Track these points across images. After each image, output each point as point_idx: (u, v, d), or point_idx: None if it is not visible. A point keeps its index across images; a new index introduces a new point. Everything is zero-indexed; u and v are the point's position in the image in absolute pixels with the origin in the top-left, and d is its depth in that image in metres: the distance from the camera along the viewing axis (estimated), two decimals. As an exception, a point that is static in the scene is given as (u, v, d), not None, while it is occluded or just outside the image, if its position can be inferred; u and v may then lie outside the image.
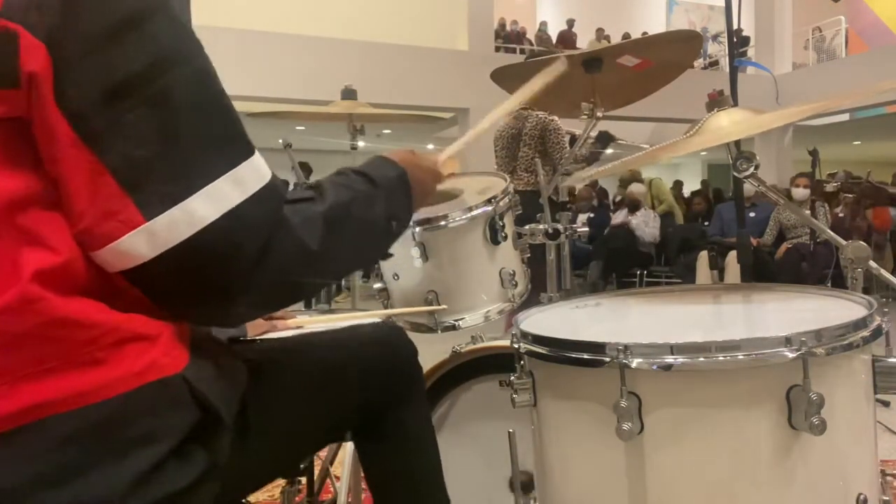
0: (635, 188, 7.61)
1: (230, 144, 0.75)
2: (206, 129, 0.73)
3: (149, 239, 0.69)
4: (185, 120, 0.71)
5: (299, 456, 1.33)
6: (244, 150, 0.76)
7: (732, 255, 5.77)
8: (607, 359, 0.85)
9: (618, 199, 9.21)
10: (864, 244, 1.10)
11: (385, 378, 1.08)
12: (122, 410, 0.70)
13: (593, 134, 1.66)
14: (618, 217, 7.65)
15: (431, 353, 1.53)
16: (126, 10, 0.69)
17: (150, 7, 0.71)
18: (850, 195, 7.26)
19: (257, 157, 0.76)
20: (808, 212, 5.33)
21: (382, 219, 0.93)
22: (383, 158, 0.99)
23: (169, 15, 0.72)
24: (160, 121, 0.70)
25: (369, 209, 0.90)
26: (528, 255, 1.58)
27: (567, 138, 3.66)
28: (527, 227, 1.56)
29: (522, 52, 12.78)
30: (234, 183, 0.73)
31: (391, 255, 1.10)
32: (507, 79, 1.75)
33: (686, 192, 10.77)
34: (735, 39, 2.17)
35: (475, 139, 1.28)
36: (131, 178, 0.69)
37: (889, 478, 1.01)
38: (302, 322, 1.36)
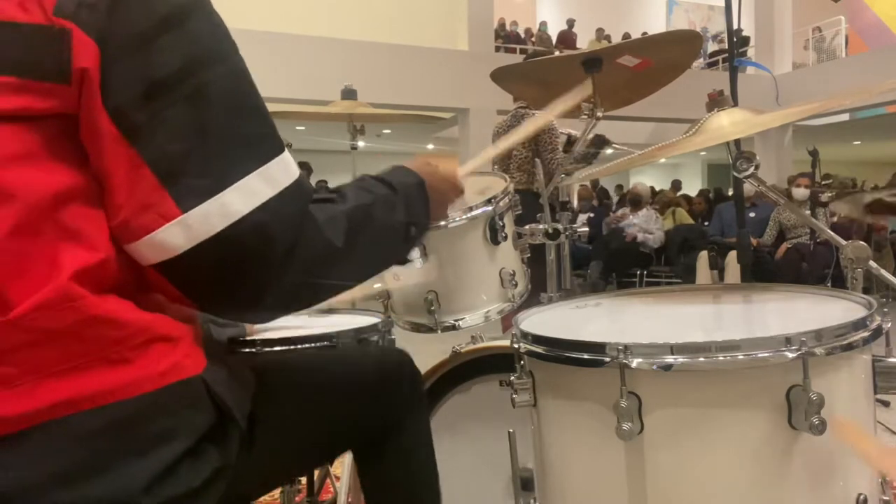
0: (640, 186, 7.59)
1: (262, 141, 0.77)
2: (240, 126, 0.75)
3: (184, 231, 0.71)
4: (221, 116, 0.73)
5: (298, 471, 1.32)
6: (275, 147, 0.77)
7: (732, 255, 5.78)
8: (607, 359, 0.85)
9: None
10: (864, 244, 1.10)
11: (387, 400, 1.08)
12: (145, 409, 0.70)
13: (589, 136, 1.66)
14: (619, 214, 7.63)
15: (431, 353, 1.53)
16: (169, 8, 0.71)
17: (191, 5, 0.72)
18: (844, 205, 7.22)
19: (286, 155, 0.78)
20: (808, 212, 5.32)
21: (402, 223, 0.93)
22: (402, 167, 1.00)
23: (208, 13, 0.74)
24: (197, 117, 0.71)
25: (390, 213, 0.91)
26: (528, 255, 1.58)
27: (563, 139, 3.64)
28: (527, 227, 1.56)
29: (523, 51, 12.78)
30: (266, 178, 0.75)
31: (410, 261, 1.11)
32: (506, 79, 1.75)
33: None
34: (735, 39, 2.17)
35: (492, 158, 1.28)
36: (168, 171, 0.70)
37: (889, 478, 1.01)
38: (300, 322, 1.36)
